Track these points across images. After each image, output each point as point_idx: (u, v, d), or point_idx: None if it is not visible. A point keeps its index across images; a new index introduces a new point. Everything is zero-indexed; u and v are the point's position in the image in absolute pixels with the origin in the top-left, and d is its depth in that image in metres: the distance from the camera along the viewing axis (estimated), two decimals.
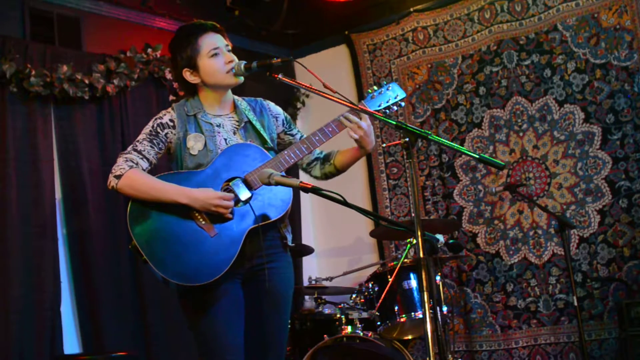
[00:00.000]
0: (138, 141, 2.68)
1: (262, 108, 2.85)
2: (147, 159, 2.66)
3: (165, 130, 2.68)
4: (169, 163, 2.80)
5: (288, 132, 2.88)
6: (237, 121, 2.77)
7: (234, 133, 2.73)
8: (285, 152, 2.67)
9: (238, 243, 2.56)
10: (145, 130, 2.71)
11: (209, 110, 2.75)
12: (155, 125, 2.69)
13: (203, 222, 2.56)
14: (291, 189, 2.62)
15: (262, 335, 2.69)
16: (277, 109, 2.90)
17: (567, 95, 4.74)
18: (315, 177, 2.93)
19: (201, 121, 2.70)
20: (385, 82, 2.86)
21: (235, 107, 2.80)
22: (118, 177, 2.59)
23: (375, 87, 2.83)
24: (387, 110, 2.79)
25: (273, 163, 2.63)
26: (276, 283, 2.69)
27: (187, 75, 2.72)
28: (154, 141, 2.67)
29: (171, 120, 2.69)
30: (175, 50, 2.74)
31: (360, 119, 2.67)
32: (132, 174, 2.58)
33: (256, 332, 2.68)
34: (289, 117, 2.93)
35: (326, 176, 2.91)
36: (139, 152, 2.66)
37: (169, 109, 2.75)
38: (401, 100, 2.81)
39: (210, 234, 2.55)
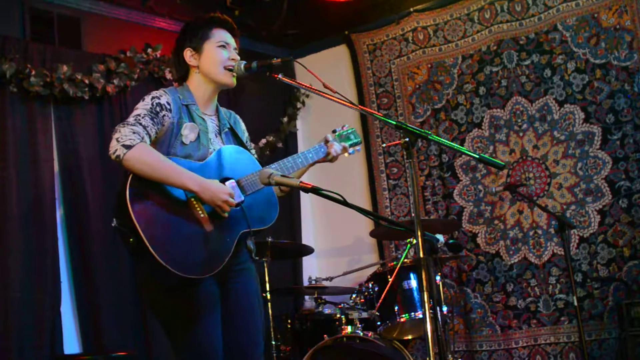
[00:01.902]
0: (140, 115, 2.51)
1: (236, 121, 2.88)
2: (150, 136, 2.52)
3: (163, 112, 2.57)
4: None
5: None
6: (218, 125, 2.76)
7: (216, 136, 2.72)
8: (274, 165, 2.70)
9: (232, 243, 2.54)
10: (144, 106, 2.55)
11: (198, 106, 2.73)
12: (154, 104, 2.56)
13: (202, 215, 2.50)
14: (277, 200, 2.68)
15: (241, 335, 2.65)
16: (244, 126, 2.93)
17: (567, 95, 4.74)
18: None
19: (195, 114, 2.66)
20: (347, 125, 3.03)
21: (217, 111, 2.80)
22: (127, 147, 2.40)
23: (337, 129, 2.99)
24: (348, 154, 2.95)
25: (275, 167, 2.67)
26: (251, 284, 2.70)
27: (187, 54, 2.70)
28: (155, 119, 2.54)
29: (168, 103, 2.60)
30: (187, 30, 2.74)
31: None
32: (144, 147, 2.43)
33: (236, 331, 2.64)
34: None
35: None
36: (144, 127, 2.50)
37: (162, 91, 2.64)
38: (358, 144, 2.99)
39: (207, 228, 2.50)
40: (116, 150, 2.41)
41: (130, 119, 2.50)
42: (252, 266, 2.75)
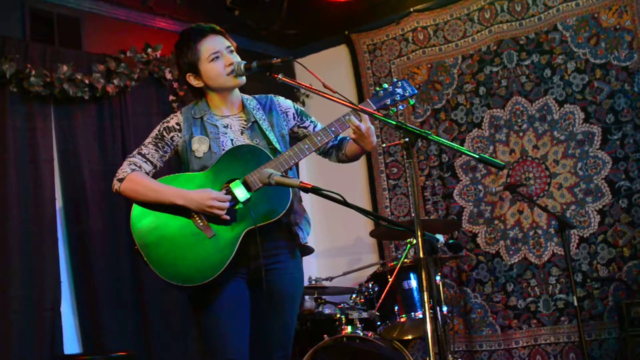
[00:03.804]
0: (144, 144, 2.75)
1: (272, 105, 2.84)
2: (151, 162, 2.72)
3: (171, 134, 2.73)
4: (179, 165, 2.84)
5: (301, 125, 2.87)
6: (245, 121, 2.77)
7: (242, 133, 2.74)
8: (287, 153, 2.66)
9: (235, 244, 2.56)
10: (152, 133, 2.77)
11: (216, 111, 2.76)
12: (161, 129, 2.75)
13: (201, 224, 2.59)
14: (290, 189, 2.62)
15: (267, 336, 2.71)
16: (287, 103, 2.88)
17: (567, 95, 4.74)
18: (333, 162, 2.94)
19: (207, 123, 2.72)
20: (396, 79, 2.80)
21: (243, 106, 2.80)
22: (120, 180, 2.67)
23: (385, 85, 2.77)
24: (395, 108, 2.74)
25: (274, 164, 2.63)
26: (282, 283, 2.70)
27: (191, 80, 2.76)
28: (159, 144, 2.73)
29: (177, 124, 2.74)
30: (177, 55, 2.78)
31: (361, 120, 2.64)
32: (133, 176, 2.66)
33: (261, 332, 2.69)
34: (300, 108, 2.90)
35: (341, 162, 2.92)
36: (143, 155, 2.72)
37: (177, 113, 2.80)
38: (411, 97, 2.75)
39: (207, 235, 2.57)
40: (114, 185, 2.70)
41: (134, 151, 2.75)
42: (290, 264, 2.75)
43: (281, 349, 2.73)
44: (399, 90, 2.75)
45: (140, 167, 2.69)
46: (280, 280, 2.69)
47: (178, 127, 2.74)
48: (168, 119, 2.78)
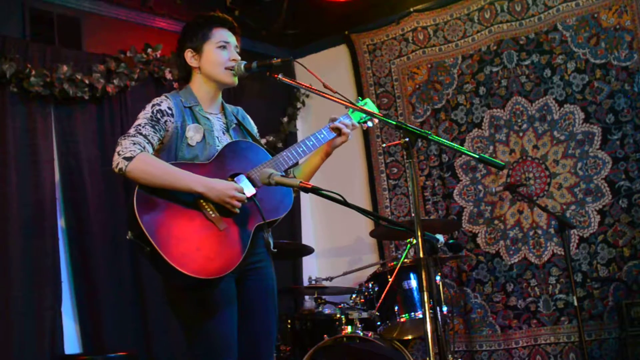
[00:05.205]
0: (140, 125, 2.57)
1: (244, 117, 2.89)
2: (152, 145, 2.55)
3: (165, 118, 2.61)
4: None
5: None
6: (225, 123, 2.77)
7: (224, 133, 2.74)
8: (284, 153, 2.68)
9: (247, 239, 2.53)
10: (145, 115, 2.61)
11: (202, 106, 2.74)
12: (155, 111, 2.61)
13: (213, 215, 2.49)
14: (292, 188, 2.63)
15: (255, 333, 2.67)
16: (253, 124, 2.94)
17: (567, 95, 4.74)
18: None
19: (198, 114, 2.68)
20: (360, 98, 2.94)
21: (223, 108, 2.81)
22: (128, 159, 2.44)
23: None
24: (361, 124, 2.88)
25: (273, 163, 2.64)
26: (266, 282, 2.70)
27: (188, 56, 2.72)
28: (156, 127, 2.58)
29: (169, 108, 2.63)
30: (187, 31, 2.75)
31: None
32: (144, 157, 2.46)
33: (250, 329, 2.66)
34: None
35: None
36: (145, 136, 2.54)
37: (164, 97, 2.69)
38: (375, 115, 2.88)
39: (220, 227, 2.49)
40: (118, 163, 2.46)
41: (131, 130, 2.55)
42: (269, 263, 2.73)
43: (268, 345, 2.70)
44: (367, 108, 2.88)
45: (144, 148, 2.50)
46: (264, 280, 2.69)
47: (170, 112, 2.62)
48: (158, 101, 2.64)
